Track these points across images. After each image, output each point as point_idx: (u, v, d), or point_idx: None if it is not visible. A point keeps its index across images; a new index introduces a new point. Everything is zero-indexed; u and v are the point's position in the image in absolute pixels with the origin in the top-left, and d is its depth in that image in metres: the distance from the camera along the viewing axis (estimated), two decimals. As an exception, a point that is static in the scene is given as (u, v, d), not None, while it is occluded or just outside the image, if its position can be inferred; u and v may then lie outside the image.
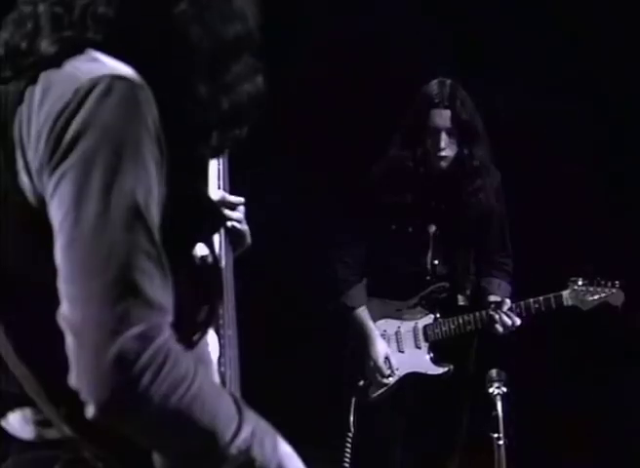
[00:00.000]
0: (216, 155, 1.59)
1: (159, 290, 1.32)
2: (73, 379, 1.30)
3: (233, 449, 1.36)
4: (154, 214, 1.35)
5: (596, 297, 4.06)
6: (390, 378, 4.13)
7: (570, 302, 4.04)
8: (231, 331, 1.70)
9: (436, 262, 4.16)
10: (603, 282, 4.07)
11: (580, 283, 4.06)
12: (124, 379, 1.28)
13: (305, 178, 5.25)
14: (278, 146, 5.02)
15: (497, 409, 3.57)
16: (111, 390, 1.28)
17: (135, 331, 1.28)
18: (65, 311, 1.31)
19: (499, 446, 3.54)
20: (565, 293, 4.04)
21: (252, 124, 1.56)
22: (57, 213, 1.34)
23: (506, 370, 3.66)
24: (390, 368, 4.12)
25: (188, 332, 1.50)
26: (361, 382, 4.14)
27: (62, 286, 1.32)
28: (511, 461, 3.54)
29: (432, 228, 4.13)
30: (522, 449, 3.68)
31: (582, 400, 5.16)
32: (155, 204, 1.36)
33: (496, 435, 3.54)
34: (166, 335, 1.31)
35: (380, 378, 4.11)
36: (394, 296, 4.19)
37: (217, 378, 1.63)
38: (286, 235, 5.26)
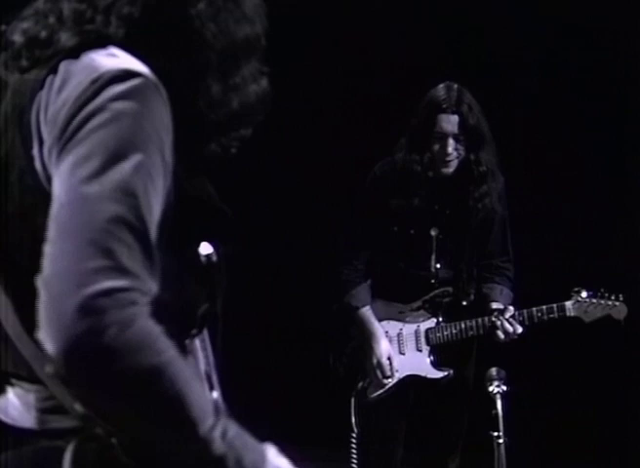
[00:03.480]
0: (223, 154, 1.63)
1: (137, 262, 1.36)
2: (40, 333, 1.33)
3: (205, 447, 1.37)
4: (153, 203, 1.40)
5: (599, 310, 4.09)
6: (390, 379, 4.18)
7: (573, 313, 4.07)
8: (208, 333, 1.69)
9: (439, 266, 4.19)
10: (607, 294, 4.10)
11: (583, 294, 4.08)
12: (86, 328, 1.29)
13: (308, 179, 5.31)
14: (281, 148, 5.06)
15: (496, 408, 3.62)
16: (73, 337, 1.30)
17: (102, 286, 1.31)
18: (42, 270, 1.35)
19: (498, 444, 3.58)
20: (568, 304, 4.07)
21: (257, 125, 1.64)
22: (55, 185, 1.40)
23: (506, 369, 3.72)
24: (391, 368, 4.16)
25: (187, 327, 1.57)
26: (360, 383, 4.17)
27: (44, 247, 1.37)
28: (511, 460, 3.58)
29: (434, 232, 4.16)
30: (522, 448, 3.74)
31: (583, 398, 5.20)
32: (157, 194, 1.42)
33: (495, 434, 3.58)
34: (137, 302, 1.34)
35: (380, 377, 4.14)
36: (398, 299, 4.23)
37: (202, 375, 1.64)
38: (287, 236, 5.32)
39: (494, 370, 3.71)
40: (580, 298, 4.09)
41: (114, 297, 1.31)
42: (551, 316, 4.06)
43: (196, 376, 1.45)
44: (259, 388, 5.11)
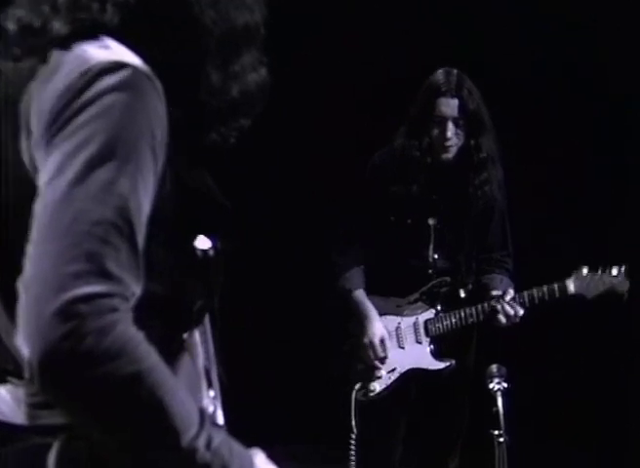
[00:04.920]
0: (222, 144, 1.63)
1: (122, 265, 1.34)
2: (17, 337, 1.32)
3: (188, 456, 1.37)
4: (142, 202, 1.39)
5: (601, 284, 4.06)
6: (391, 376, 4.15)
7: (574, 290, 4.04)
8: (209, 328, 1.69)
9: (436, 257, 4.17)
10: (608, 269, 4.07)
11: (584, 271, 4.05)
12: (63, 335, 1.28)
13: (307, 174, 5.31)
14: (276, 136, 5.03)
15: (497, 406, 3.59)
16: (49, 344, 1.29)
17: (81, 291, 1.30)
18: (23, 271, 1.34)
19: (499, 443, 3.54)
20: (569, 282, 4.04)
21: (256, 115, 1.64)
22: (41, 182, 1.39)
23: (507, 366, 3.69)
24: (385, 350, 4.13)
25: (184, 322, 1.57)
26: (357, 386, 4.11)
27: (28, 248, 1.35)
28: (512, 459, 3.55)
29: (432, 221, 4.14)
30: (523, 447, 3.71)
31: (585, 395, 5.20)
32: (147, 191, 1.40)
33: (496, 432, 3.55)
34: (118, 309, 1.32)
35: (372, 358, 4.10)
36: (394, 293, 4.20)
37: (200, 371, 1.63)
38: (286, 233, 5.31)
39: (494, 367, 3.67)
40: (581, 275, 4.06)
41: (93, 303, 1.30)
42: (553, 295, 4.03)
43: (180, 384, 1.42)
44: (257, 386, 5.10)
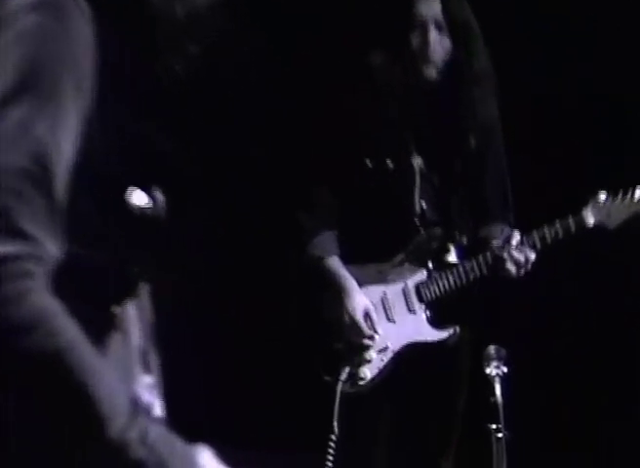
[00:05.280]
0: (166, 76, 1.50)
1: (38, 222, 1.28)
2: None
3: (118, 450, 1.30)
4: (62, 146, 1.32)
5: (623, 210, 3.75)
6: (383, 357, 3.76)
7: (593, 220, 3.71)
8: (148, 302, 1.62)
9: (424, 205, 3.79)
10: (630, 191, 3.72)
11: (602, 197, 3.73)
12: None
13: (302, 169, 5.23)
14: (275, 135, 4.90)
15: (495, 395, 3.39)
16: None
17: None
18: None
19: (498, 438, 3.37)
20: (586, 212, 3.72)
21: (207, 42, 1.54)
22: None
23: (507, 348, 3.44)
24: (373, 324, 3.76)
25: (114, 294, 1.50)
26: (343, 375, 3.73)
27: None
28: (512, 457, 3.39)
29: (418, 161, 3.76)
30: (525, 443, 3.52)
31: (594, 384, 4.96)
32: (69, 132, 1.33)
33: (494, 426, 3.38)
34: (32, 273, 1.26)
35: (360, 339, 3.74)
36: (374, 258, 3.81)
37: (135, 353, 1.57)
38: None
39: (492, 349, 3.43)
40: (598, 202, 3.75)
41: (3, 267, 1.25)
42: (568, 231, 3.69)
43: (108, 366, 1.36)
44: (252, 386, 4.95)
